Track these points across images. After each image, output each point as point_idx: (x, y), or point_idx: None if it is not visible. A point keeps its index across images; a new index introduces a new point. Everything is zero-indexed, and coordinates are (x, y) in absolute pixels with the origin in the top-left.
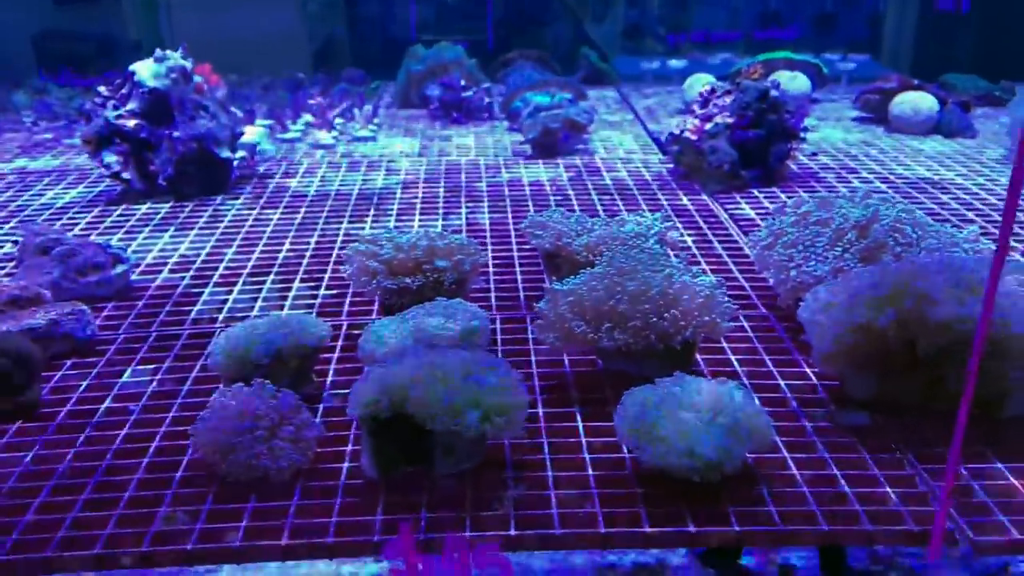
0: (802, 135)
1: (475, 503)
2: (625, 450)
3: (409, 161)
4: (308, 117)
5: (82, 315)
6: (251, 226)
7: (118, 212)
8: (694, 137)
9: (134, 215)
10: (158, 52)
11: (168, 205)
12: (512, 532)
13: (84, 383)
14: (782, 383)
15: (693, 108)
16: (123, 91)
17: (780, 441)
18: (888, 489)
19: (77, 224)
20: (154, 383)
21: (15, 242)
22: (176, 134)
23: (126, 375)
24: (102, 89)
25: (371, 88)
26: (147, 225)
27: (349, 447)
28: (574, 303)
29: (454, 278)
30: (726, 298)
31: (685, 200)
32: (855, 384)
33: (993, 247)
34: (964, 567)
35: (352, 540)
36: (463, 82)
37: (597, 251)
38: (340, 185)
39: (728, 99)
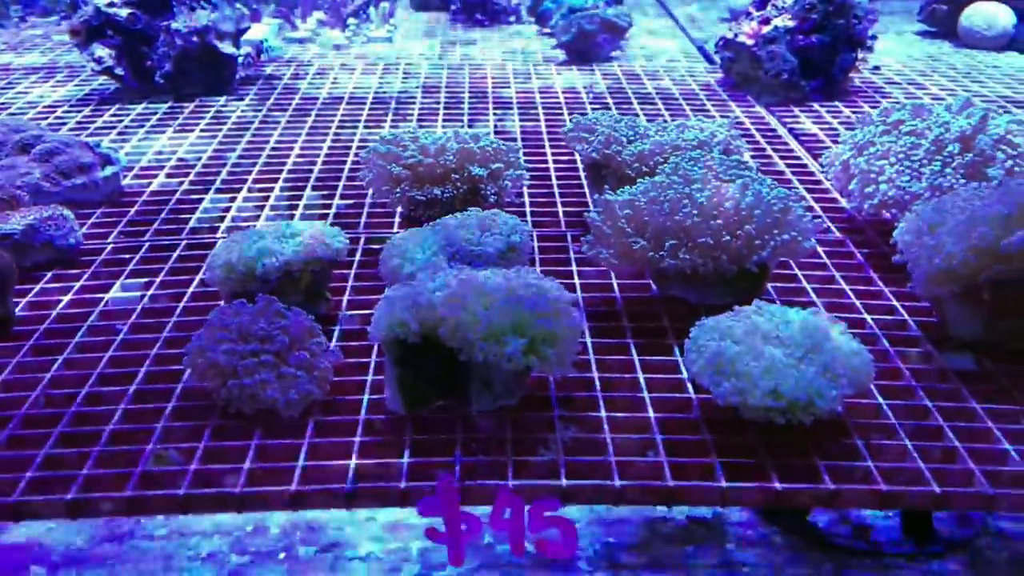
0: (870, 44)
1: (518, 447)
2: (692, 389)
3: (429, 64)
4: (319, 15)
5: (64, 221)
6: (257, 129)
7: (111, 112)
8: (750, 42)
9: (128, 115)
10: None
11: (166, 105)
12: (563, 482)
13: (65, 298)
14: (867, 317)
15: (749, 10)
16: None
17: (873, 386)
18: (1007, 446)
19: (65, 124)
20: (145, 299)
21: None
22: (175, 26)
23: (113, 290)
24: None
25: None
26: (142, 126)
27: (370, 377)
28: (632, 216)
29: (495, 189)
30: (807, 214)
31: (738, 111)
32: (960, 321)
33: None
34: None
35: (374, 487)
36: None
37: (651, 162)
38: (354, 88)
39: (789, 0)
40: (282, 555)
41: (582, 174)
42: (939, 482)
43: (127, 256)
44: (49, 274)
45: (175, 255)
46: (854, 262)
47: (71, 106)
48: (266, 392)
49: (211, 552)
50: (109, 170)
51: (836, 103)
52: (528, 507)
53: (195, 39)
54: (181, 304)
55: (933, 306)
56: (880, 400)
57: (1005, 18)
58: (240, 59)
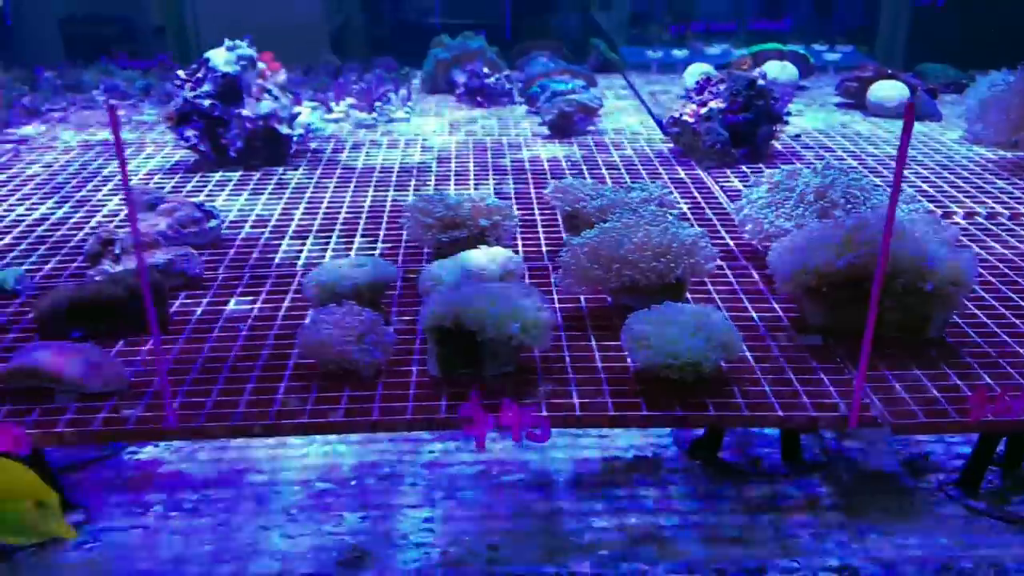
0: (786, 118)
1: (515, 395)
2: (629, 360)
3: (441, 140)
4: (350, 99)
5: (191, 256)
6: (312, 192)
7: (196, 179)
8: (691, 120)
9: (210, 181)
10: (228, 42)
11: (238, 174)
12: (544, 414)
13: (199, 309)
14: (754, 315)
15: (691, 95)
16: (198, 75)
17: (750, 356)
18: (831, 388)
19: (163, 188)
20: (255, 310)
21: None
22: (245, 112)
23: (231, 304)
24: (180, 72)
25: (402, 74)
26: (223, 189)
27: (415, 356)
28: (589, 252)
29: (496, 234)
30: (709, 245)
31: (683, 174)
32: (812, 313)
33: (931, 208)
34: (888, 451)
35: (424, 417)
36: (486, 70)
37: (608, 213)
38: (383, 160)
39: (721, 87)
40: (353, 482)
41: (560, 222)
42: (784, 410)
43: (235, 282)
44: (183, 294)
45: (269, 282)
46: (751, 278)
47: (164, 174)
48: (352, 356)
49: (303, 479)
50: (213, 223)
51: (760, 165)
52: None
53: (260, 123)
54: (280, 314)
55: (796, 304)
56: (754, 364)
57: (901, 92)
58: (295, 137)
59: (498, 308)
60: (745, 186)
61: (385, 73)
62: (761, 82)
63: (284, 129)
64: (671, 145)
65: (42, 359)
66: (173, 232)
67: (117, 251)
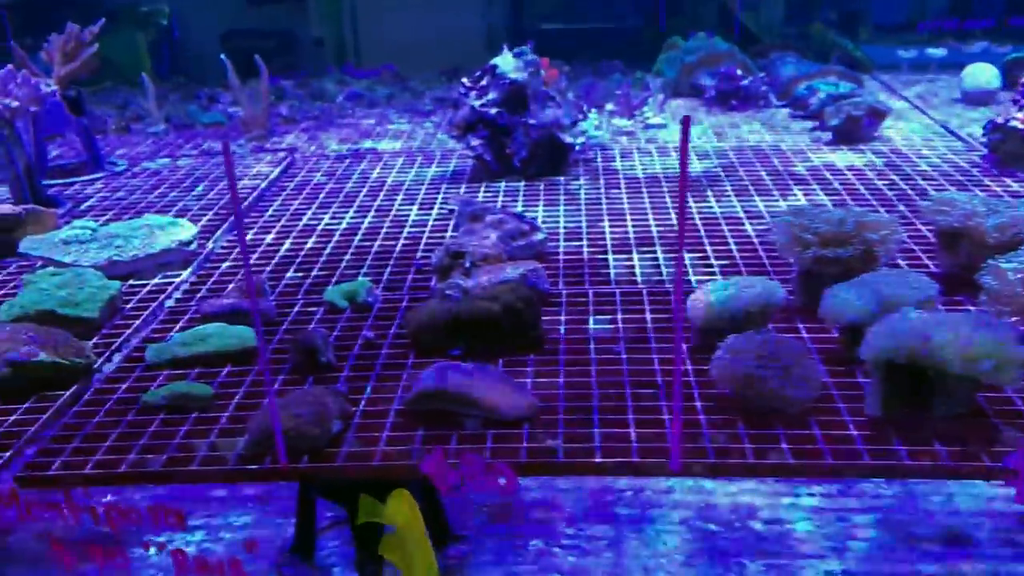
0: None
1: (971, 440)
2: None
3: (712, 146)
4: (609, 106)
5: (540, 271)
6: (608, 203)
7: (483, 189)
8: (1023, 126)
9: (497, 191)
10: (516, 48)
11: (522, 183)
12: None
13: (561, 328)
14: None
15: (1016, 98)
16: (482, 83)
17: None
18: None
19: (453, 196)
20: (619, 330)
21: (451, 210)
22: (531, 121)
23: (591, 323)
24: (465, 80)
25: (636, 78)
26: (513, 200)
27: (835, 391)
28: None
29: (883, 251)
30: None
31: (1015, 186)
32: None
33: None
34: None
35: (879, 463)
36: (739, 71)
37: (1009, 232)
38: (663, 168)
39: None
40: (738, 524)
41: (937, 240)
42: None
43: (581, 299)
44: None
45: (617, 298)
46: None
47: (448, 184)
48: (783, 393)
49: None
50: (539, 235)
51: None
52: None
53: (544, 131)
54: (649, 335)
55: None
56: None
57: None
58: (577, 146)
59: (966, 341)
60: None
61: (621, 77)
62: None
63: (567, 137)
64: (981, 152)
65: (455, 382)
66: (504, 244)
67: (467, 264)
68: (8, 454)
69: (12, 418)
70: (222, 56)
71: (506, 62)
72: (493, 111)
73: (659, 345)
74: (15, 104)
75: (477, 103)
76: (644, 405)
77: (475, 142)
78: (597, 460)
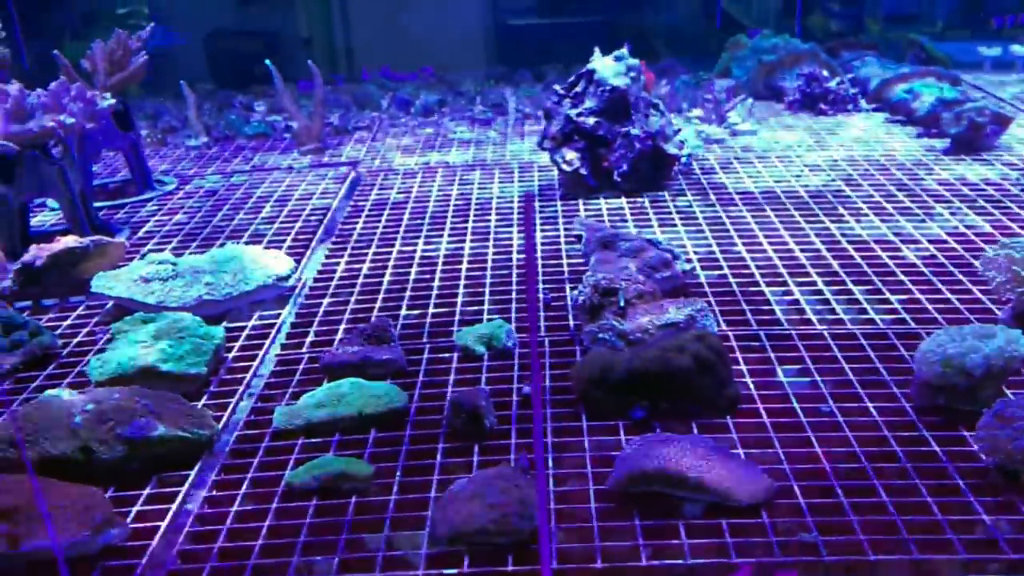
0: None
1: None
2: None
3: (816, 156)
4: (697, 111)
5: (706, 310)
6: (734, 224)
7: (582, 205)
8: None
9: (598, 209)
10: (616, 52)
11: (623, 200)
12: None
13: (748, 381)
14: None
15: None
16: (576, 89)
17: None
18: None
19: (540, 213)
20: (820, 380)
21: (577, 236)
22: (634, 131)
23: (779, 374)
24: (557, 87)
25: (702, 79)
26: (622, 220)
27: None
28: None
29: None
30: None
31: None
32: None
33: None
34: None
35: None
36: (825, 73)
37: None
38: (774, 181)
39: None
40: None
41: None
42: None
43: (754, 342)
44: None
45: (798, 343)
46: None
47: (542, 202)
48: None
49: None
50: (684, 265)
51: None
52: None
53: (649, 142)
54: (862, 391)
55: None
56: None
57: None
58: (683, 158)
59: None
60: None
61: (688, 78)
62: None
63: (671, 149)
64: None
65: (676, 461)
66: (645, 276)
67: (621, 303)
68: (142, 564)
69: (135, 509)
70: (267, 61)
71: (606, 67)
72: (591, 121)
73: (876, 405)
74: (71, 121)
75: (573, 112)
76: (894, 485)
77: (571, 155)
78: (871, 558)
